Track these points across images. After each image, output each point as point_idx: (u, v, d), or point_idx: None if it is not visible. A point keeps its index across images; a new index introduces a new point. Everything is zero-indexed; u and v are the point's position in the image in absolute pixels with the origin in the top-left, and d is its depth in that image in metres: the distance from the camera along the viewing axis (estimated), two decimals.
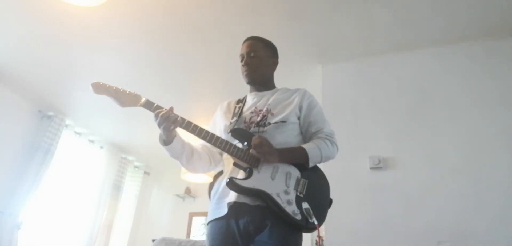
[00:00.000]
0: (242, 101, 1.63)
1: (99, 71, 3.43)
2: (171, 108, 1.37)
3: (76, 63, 3.38)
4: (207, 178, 4.53)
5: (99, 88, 1.45)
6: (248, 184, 1.31)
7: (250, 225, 1.30)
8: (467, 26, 2.63)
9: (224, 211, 1.35)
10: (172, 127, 1.37)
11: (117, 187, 5.02)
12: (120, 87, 1.46)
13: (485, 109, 2.53)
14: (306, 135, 1.52)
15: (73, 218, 4.38)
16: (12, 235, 3.66)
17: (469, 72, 2.68)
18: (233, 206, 1.33)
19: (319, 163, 1.45)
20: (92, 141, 4.73)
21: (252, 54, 1.58)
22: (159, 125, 1.36)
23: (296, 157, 1.40)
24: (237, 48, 1.67)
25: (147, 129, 1.32)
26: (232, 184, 1.31)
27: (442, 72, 2.74)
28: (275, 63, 1.68)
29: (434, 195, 2.39)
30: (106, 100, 1.48)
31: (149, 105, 1.41)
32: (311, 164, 1.40)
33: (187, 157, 1.50)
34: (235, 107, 1.61)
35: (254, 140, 1.34)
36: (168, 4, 2.65)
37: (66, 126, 4.35)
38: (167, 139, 1.41)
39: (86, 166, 4.63)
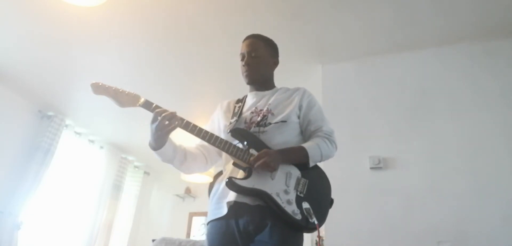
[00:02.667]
0: (242, 100, 1.61)
1: (99, 71, 3.43)
2: (174, 113, 1.35)
3: (76, 63, 3.38)
4: (207, 178, 4.54)
5: (98, 88, 1.45)
6: (248, 183, 1.31)
7: (250, 225, 1.29)
8: (467, 26, 2.63)
9: (224, 211, 1.34)
10: (171, 128, 1.34)
11: (117, 187, 5.03)
12: (119, 88, 1.46)
13: (486, 109, 2.53)
14: (306, 133, 1.51)
15: (73, 218, 4.38)
16: (12, 235, 3.66)
17: (470, 72, 2.68)
18: (233, 206, 1.33)
19: (319, 162, 1.44)
20: (92, 141, 4.73)
21: (253, 54, 1.56)
22: (158, 128, 1.32)
23: (297, 157, 1.39)
24: (238, 47, 1.66)
25: (147, 129, 1.32)
26: (231, 184, 1.31)
27: (442, 72, 2.74)
28: (275, 62, 1.66)
29: (434, 195, 2.39)
30: (106, 100, 1.48)
31: (148, 105, 1.40)
32: (311, 163, 1.40)
33: (180, 160, 1.49)
34: (235, 106, 1.59)
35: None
36: (168, 4, 2.64)
37: (66, 126, 4.35)
38: (159, 144, 1.37)
39: (86, 166, 4.63)
